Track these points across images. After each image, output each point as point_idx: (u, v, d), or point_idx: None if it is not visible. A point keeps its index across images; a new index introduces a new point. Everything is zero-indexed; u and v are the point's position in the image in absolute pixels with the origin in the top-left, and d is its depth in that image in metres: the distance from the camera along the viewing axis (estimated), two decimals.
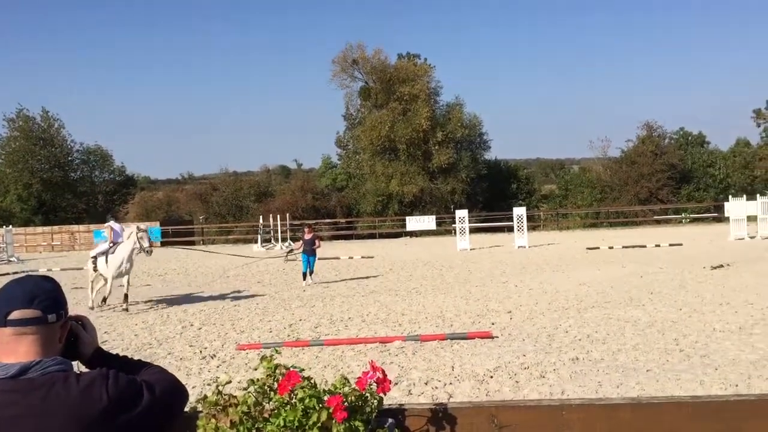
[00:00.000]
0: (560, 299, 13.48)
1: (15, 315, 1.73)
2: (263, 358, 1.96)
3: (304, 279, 18.26)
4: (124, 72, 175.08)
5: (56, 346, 1.81)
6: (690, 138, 59.12)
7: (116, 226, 15.69)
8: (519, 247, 28.59)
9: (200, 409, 1.94)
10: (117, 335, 11.51)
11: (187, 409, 2.00)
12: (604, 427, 1.93)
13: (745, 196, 31.46)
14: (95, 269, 15.07)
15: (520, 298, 13.86)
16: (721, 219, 39.11)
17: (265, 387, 1.91)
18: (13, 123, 57.25)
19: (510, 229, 34.36)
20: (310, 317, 12.59)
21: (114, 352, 2.09)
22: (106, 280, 14.87)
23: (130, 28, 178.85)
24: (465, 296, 14.56)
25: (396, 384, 7.52)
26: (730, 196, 32.42)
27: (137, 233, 14.53)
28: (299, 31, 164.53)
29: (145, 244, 14.55)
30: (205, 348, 10.11)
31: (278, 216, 37.44)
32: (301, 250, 19.01)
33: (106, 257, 14.71)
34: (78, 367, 1.89)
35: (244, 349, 9.71)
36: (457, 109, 54.24)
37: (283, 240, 36.83)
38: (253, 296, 15.96)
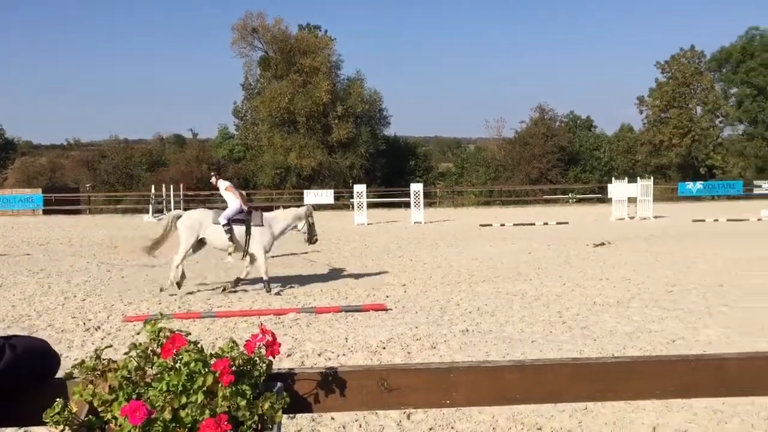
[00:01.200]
0: (453, 273, 13.82)
1: None
2: (147, 321, 1.87)
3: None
4: (3, 29, 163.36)
5: None
6: (579, 122, 61.89)
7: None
8: (415, 222, 29.06)
9: (76, 374, 1.84)
10: None
11: (61, 374, 1.89)
12: (489, 388, 1.97)
13: (626, 178, 33.25)
14: (231, 238, 11.97)
15: (415, 272, 14.11)
16: (605, 200, 41.25)
17: (148, 351, 1.82)
18: None
19: (407, 205, 34.83)
20: (202, 289, 12.30)
21: None
22: (230, 253, 12.14)
23: None
24: (360, 269, 14.65)
25: (289, 356, 7.49)
26: (613, 179, 34.17)
27: (307, 213, 12.65)
28: None
29: (314, 232, 12.51)
30: (89, 320, 9.68)
31: (171, 186, 36.25)
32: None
33: (249, 228, 12.06)
34: None
35: (132, 321, 9.38)
36: (357, 83, 54.14)
37: (168, 211, 35.71)
38: (143, 267, 15.41)
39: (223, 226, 11.97)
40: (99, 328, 9.14)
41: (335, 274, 14.09)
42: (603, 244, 18.76)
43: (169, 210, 35.64)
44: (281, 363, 6.70)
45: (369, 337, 8.32)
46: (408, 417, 5.41)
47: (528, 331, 8.60)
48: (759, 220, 27.76)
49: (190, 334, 1.89)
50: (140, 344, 1.84)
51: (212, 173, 14.03)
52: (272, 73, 52.05)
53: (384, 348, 7.83)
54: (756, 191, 40.88)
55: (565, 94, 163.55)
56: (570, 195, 48.45)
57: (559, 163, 53.28)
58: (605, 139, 59.73)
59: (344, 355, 7.57)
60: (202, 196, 44.37)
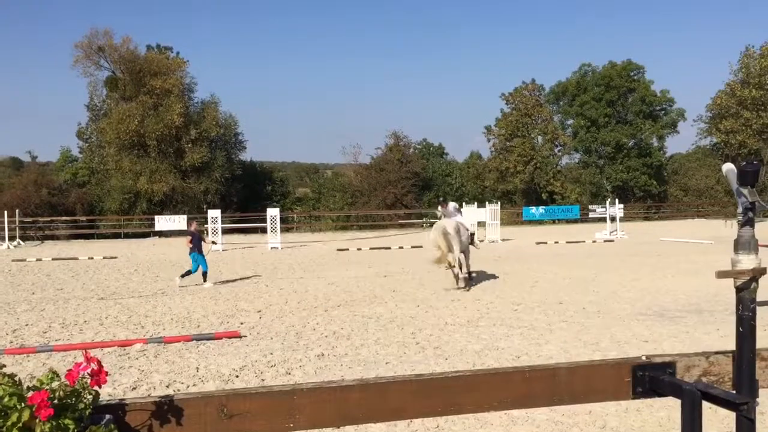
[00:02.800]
0: (309, 298, 13.74)
1: None
2: None
3: (204, 280, 16.19)
4: None
5: None
6: (431, 149, 64.15)
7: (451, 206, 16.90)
8: (272, 248, 28.70)
9: None
10: None
11: None
12: (333, 409, 1.95)
13: (476, 203, 34.79)
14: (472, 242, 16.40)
15: (271, 298, 13.89)
16: None
17: None
18: None
19: (264, 230, 34.35)
20: (38, 322, 11.40)
21: None
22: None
23: None
24: (214, 296, 14.22)
25: (134, 389, 7.08)
26: (464, 203, 35.63)
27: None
28: (35, 6, 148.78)
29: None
30: None
31: (6, 212, 33.52)
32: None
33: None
34: None
35: None
36: (212, 107, 52.99)
37: (11, 238, 33.04)
38: None
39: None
40: None
41: (187, 302, 13.56)
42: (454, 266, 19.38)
43: (2, 238, 32.92)
44: (125, 396, 6.31)
45: (221, 365, 8.05)
46: None
47: (383, 353, 8.68)
48: (594, 241, 29.98)
49: (4, 366, 1.72)
50: None
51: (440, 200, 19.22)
52: (120, 94, 49.76)
53: (237, 376, 7.60)
54: (591, 215, 44.06)
55: (418, 122, 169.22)
56: (424, 219, 49.89)
57: (413, 188, 54.85)
58: (456, 165, 62.34)
59: (195, 385, 7.26)
60: (41, 222, 41.39)
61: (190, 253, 16.42)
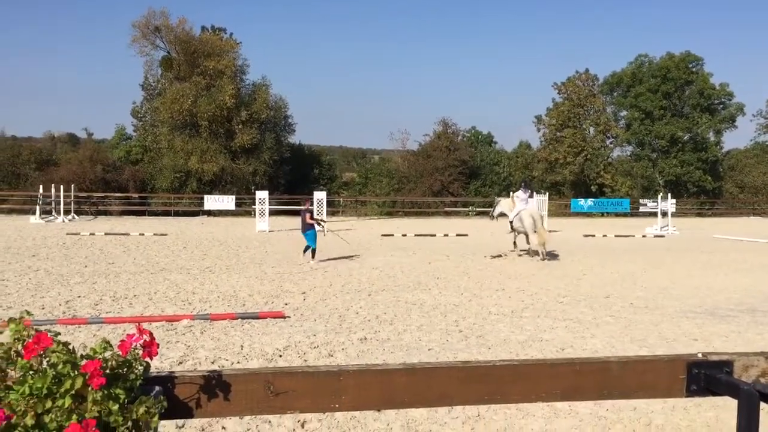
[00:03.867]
0: (353, 282, 13.81)
1: None
2: (11, 320, 1.72)
3: (304, 253, 17.71)
4: None
5: None
6: (480, 137, 63.52)
7: (522, 195, 19.79)
8: (318, 230, 28.85)
9: None
10: None
11: None
12: (378, 391, 1.94)
13: None
14: (512, 229, 19.84)
15: (315, 280, 14.00)
16: (503, 214, 42.43)
17: (11, 352, 1.68)
18: None
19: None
20: (90, 294, 11.73)
21: None
22: (525, 234, 19.38)
23: None
24: (260, 277, 14.40)
25: (181, 363, 7.23)
26: (511, 193, 35.26)
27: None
28: None
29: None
30: None
31: (62, 187, 34.49)
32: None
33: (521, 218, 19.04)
34: None
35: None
36: (263, 89, 53.39)
37: (66, 212, 34.03)
38: (25, 271, 14.54)
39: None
40: None
41: (233, 280, 13.77)
42: (500, 255, 19.27)
43: (58, 212, 33.92)
44: (172, 369, 6.46)
45: (265, 344, 8.15)
46: (302, 425, 5.32)
47: (425, 339, 8.67)
48: (644, 236, 29.36)
49: (59, 334, 1.76)
50: (2, 344, 1.69)
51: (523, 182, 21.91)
52: (174, 74, 50.52)
53: (280, 356, 7.69)
54: (642, 209, 43.14)
55: (467, 110, 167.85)
56: (470, 208, 49.59)
57: (460, 176, 54.46)
58: (505, 155, 61.61)
59: (238, 362, 7.37)
60: (95, 198, 42.49)
61: (304, 231, 17.81)
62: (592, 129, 59.14)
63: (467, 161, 55.29)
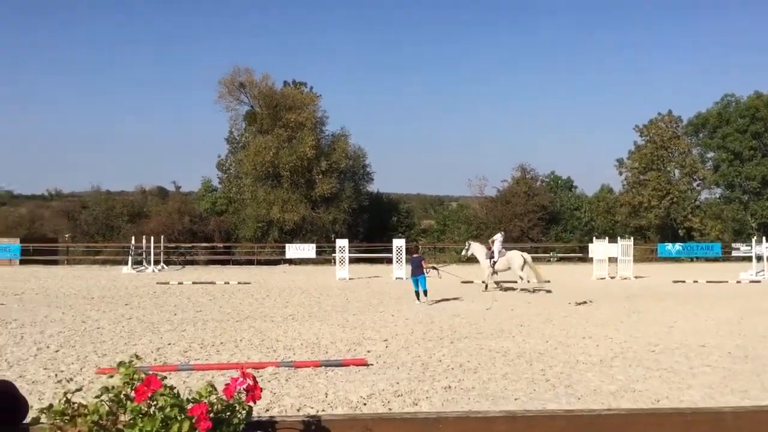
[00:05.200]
0: (435, 329, 13.67)
1: None
2: (120, 363, 1.78)
3: (418, 298, 18.77)
4: None
5: None
6: (559, 182, 62.54)
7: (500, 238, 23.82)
8: (397, 278, 28.89)
9: (43, 419, 1.73)
10: None
11: (28, 420, 1.79)
12: None
13: (607, 238, 33.47)
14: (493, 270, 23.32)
15: (396, 327, 13.94)
16: (585, 259, 41.40)
17: (121, 395, 1.73)
18: None
19: (389, 261, 34.68)
20: (179, 341, 12.05)
21: None
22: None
23: None
24: (342, 324, 14.46)
25: (267, 410, 7.28)
26: (594, 238, 34.41)
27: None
28: (180, 47, 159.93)
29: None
30: (62, 371, 9.41)
31: (152, 238, 35.93)
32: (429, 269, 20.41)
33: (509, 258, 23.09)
34: None
35: (105, 373, 9.10)
36: (342, 139, 54.56)
37: (156, 262, 35.33)
38: (119, 319, 15.11)
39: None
40: (71, 380, 8.87)
41: (316, 328, 13.88)
42: (585, 302, 18.73)
43: (148, 262, 35.26)
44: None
45: (349, 392, 8.13)
46: None
47: (511, 388, 8.45)
48: (738, 282, 27.97)
49: (166, 377, 1.80)
50: (113, 387, 1.75)
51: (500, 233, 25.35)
52: (258, 127, 52.34)
53: (365, 404, 7.65)
54: (734, 253, 41.23)
55: (545, 155, 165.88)
56: (551, 254, 48.62)
57: (540, 222, 53.63)
58: (585, 199, 60.38)
59: (324, 410, 7.37)
60: (183, 248, 43.97)
61: (412, 276, 19.33)
62: (677, 171, 57.37)
63: (547, 206, 54.47)
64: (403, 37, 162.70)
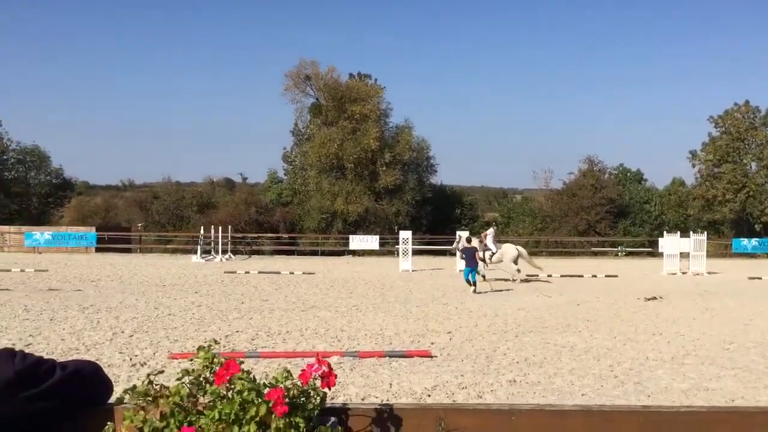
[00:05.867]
0: (499, 322, 13.56)
1: None
2: (200, 348, 1.83)
3: (473, 289, 19.52)
4: (66, 73, 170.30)
5: None
6: (628, 174, 60.93)
7: (492, 233, 24.81)
8: (460, 270, 28.71)
9: (127, 400, 1.80)
10: (43, 339, 11.00)
11: (112, 399, 1.86)
12: None
13: (678, 233, 32.46)
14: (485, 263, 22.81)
15: (460, 320, 13.89)
16: (655, 254, 40.27)
17: (201, 378, 1.78)
18: None
19: (452, 253, 34.55)
20: (247, 329, 12.31)
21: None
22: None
23: (72, 28, 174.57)
24: (405, 315, 14.50)
25: (332, 399, 7.35)
26: (664, 233, 33.41)
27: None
28: (249, 41, 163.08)
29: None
30: (136, 355, 9.76)
31: (220, 228, 36.80)
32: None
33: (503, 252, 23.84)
34: None
35: (177, 358, 9.39)
36: (406, 131, 54.54)
37: (224, 252, 36.18)
38: (189, 306, 15.55)
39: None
40: (145, 364, 9.19)
41: (380, 319, 13.96)
42: (655, 298, 18.23)
43: (216, 251, 36.15)
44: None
45: (414, 383, 8.16)
46: None
47: (578, 384, 8.32)
48: None
49: (243, 362, 1.84)
50: (193, 371, 1.80)
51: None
52: (323, 119, 52.87)
53: (429, 395, 7.66)
54: None
55: (614, 146, 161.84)
56: (619, 248, 47.53)
57: (607, 215, 52.39)
58: (656, 192, 58.63)
59: (388, 400, 7.41)
60: (249, 238, 44.88)
61: (466, 266, 20.03)
62: (754, 164, 55.08)
63: (615, 200, 53.16)
64: (466, 28, 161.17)
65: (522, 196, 70.45)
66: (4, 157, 58.09)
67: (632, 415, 1.88)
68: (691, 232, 32.17)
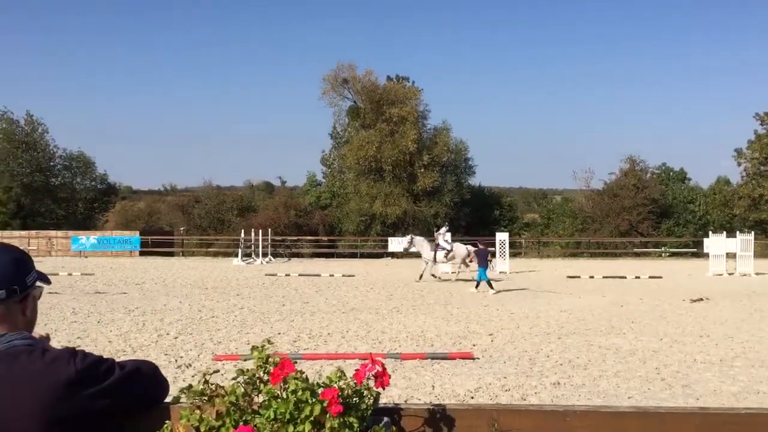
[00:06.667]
0: (541, 324, 13.43)
1: None
2: (254, 347, 1.85)
3: (491, 287, 19.91)
4: (110, 79, 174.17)
5: (20, 321, 1.74)
6: (671, 174, 59.78)
7: (444, 231, 26.44)
8: (500, 272, 28.54)
9: (183, 399, 1.83)
10: (91, 341, 11.25)
11: (168, 399, 1.89)
12: None
13: (724, 233, 31.71)
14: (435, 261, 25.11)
15: (502, 322, 13.79)
16: (700, 254, 39.41)
17: (255, 378, 1.80)
18: None
19: (491, 255, 34.30)
20: (289, 331, 12.42)
21: None
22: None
23: (117, 36, 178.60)
24: (446, 317, 14.45)
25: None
26: (710, 233, 32.68)
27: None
28: (287, 46, 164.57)
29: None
30: (181, 357, 9.91)
31: (260, 231, 37.17)
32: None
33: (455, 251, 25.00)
34: None
35: (221, 360, 9.53)
36: (444, 133, 54.41)
37: (264, 255, 36.54)
38: (231, 308, 15.74)
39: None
40: (190, 365, 9.33)
41: (420, 321, 13.94)
42: (701, 299, 17.85)
43: (257, 254, 36.52)
44: None
45: (456, 385, 8.12)
46: None
47: (624, 387, 8.18)
48: None
49: (296, 362, 1.86)
50: (247, 370, 1.82)
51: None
52: (361, 122, 53.04)
53: (472, 397, 7.62)
54: None
55: (656, 145, 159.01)
56: (663, 248, 46.64)
57: (650, 215, 51.44)
58: (700, 192, 57.36)
59: (431, 402, 7.39)
60: (289, 241, 45.23)
61: (479, 267, 20.66)
62: None
63: (658, 199, 52.18)
64: (503, 27, 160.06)
65: (562, 197, 69.61)
66: (51, 163, 59.56)
67: (689, 417, 1.84)
68: (738, 232, 31.41)
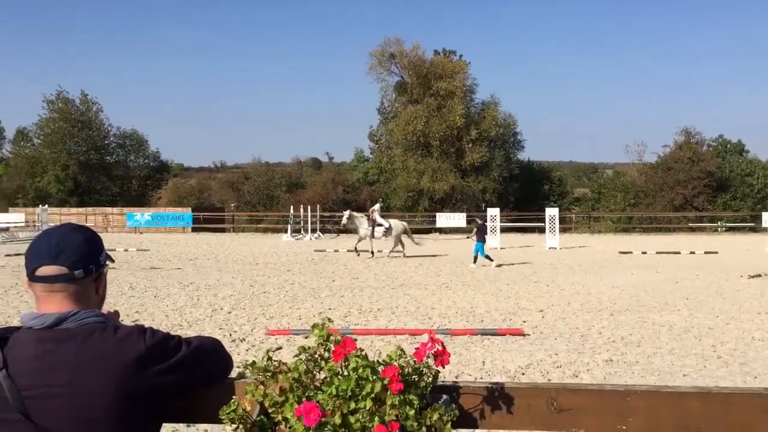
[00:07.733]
0: (593, 301, 13.28)
1: (42, 271, 1.68)
2: (315, 325, 1.88)
3: (490, 260, 20.76)
4: (162, 58, 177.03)
5: (93, 298, 1.79)
6: (729, 146, 57.99)
7: (377, 208, 26.35)
8: (550, 248, 28.26)
9: (248, 374, 1.88)
10: (148, 315, 11.59)
11: (233, 375, 1.95)
12: (669, 416, 1.82)
13: None
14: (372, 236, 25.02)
15: (552, 298, 13.68)
16: (758, 229, 38.31)
17: (317, 355, 1.83)
18: (52, 105, 58.32)
19: (541, 230, 33.98)
20: (339, 307, 12.56)
21: None
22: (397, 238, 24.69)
23: (167, 14, 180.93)
24: (495, 293, 14.41)
25: None
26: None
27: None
28: (334, 22, 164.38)
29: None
30: (235, 331, 10.13)
31: (309, 207, 37.52)
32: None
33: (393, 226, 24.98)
34: None
35: (274, 335, 9.71)
36: (492, 107, 53.80)
37: (313, 231, 36.90)
38: (282, 284, 15.99)
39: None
40: (244, 339, 9.53)
41: (470, 296, 13.93)
42: (759, 275, 17.37)
43: (306, 230, 36.91)
44: None
45: (507, 361, 8.12)
46: None
47: (678, 364, 8.06)
48: None
49: (356, 339, 1.89)
50: (309, 348, 1.86)
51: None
52: (408, 97, 52.80)
53: (523, 374, 7.61)
54: None
55: (713, 116, 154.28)
56: (719, 223, 45.43)
57: (706, 189, 50.10)
58: (759, 164, 55.51)
59: (482, 378, 7.41)
60: (337, 217, 45.54)
61: (478, 242, 21.17)
62: None
63: (714, 173, 50.74)
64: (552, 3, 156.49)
65: (613, 171, 68.30)
66: (106, 141, 61.13)
67: (754, 398, 1.81)
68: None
